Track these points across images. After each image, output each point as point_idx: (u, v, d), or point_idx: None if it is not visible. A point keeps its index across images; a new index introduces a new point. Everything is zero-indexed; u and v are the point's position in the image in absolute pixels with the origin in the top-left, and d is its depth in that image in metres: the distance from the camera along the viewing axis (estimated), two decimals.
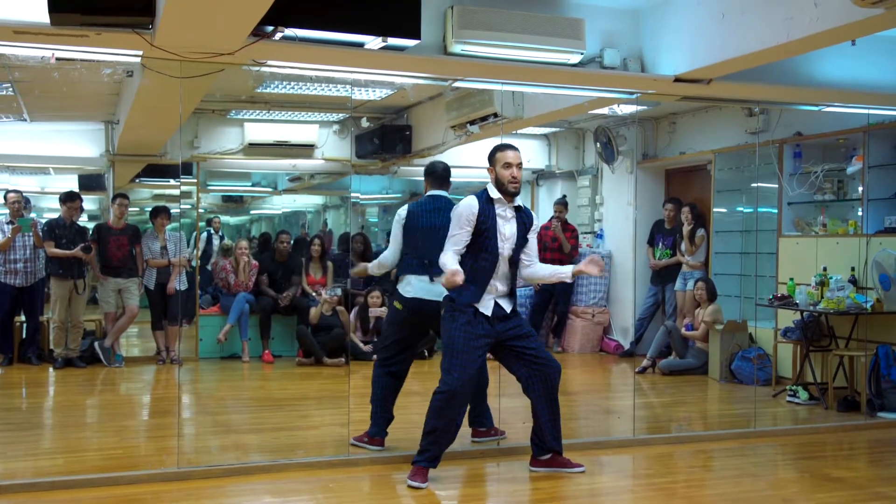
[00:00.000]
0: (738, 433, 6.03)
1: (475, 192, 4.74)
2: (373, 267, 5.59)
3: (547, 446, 4.85)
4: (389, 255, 5.45)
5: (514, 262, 4.75)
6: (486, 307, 4.66)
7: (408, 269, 5.30)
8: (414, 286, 5.24)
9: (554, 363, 4.81)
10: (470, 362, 4.62)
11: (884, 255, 6.65)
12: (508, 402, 5.77)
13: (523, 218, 4.76)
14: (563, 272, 4.84)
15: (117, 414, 6.67)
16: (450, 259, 4.56)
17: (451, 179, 5.51)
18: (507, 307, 4.74)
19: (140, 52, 4.75)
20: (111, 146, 9.52)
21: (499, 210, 4.66)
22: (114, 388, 7.80)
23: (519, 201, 4.75)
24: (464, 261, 4.62)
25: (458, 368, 4.58)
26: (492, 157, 4.74)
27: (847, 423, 6.41)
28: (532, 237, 4.80)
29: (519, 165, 4.69)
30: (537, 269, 4.84)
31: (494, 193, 4.68)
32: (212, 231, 11.86)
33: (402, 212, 5.41)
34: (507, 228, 4.68)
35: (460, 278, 4.43)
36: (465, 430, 5.38)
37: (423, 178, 5.56)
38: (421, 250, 5.28)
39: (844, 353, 7.05)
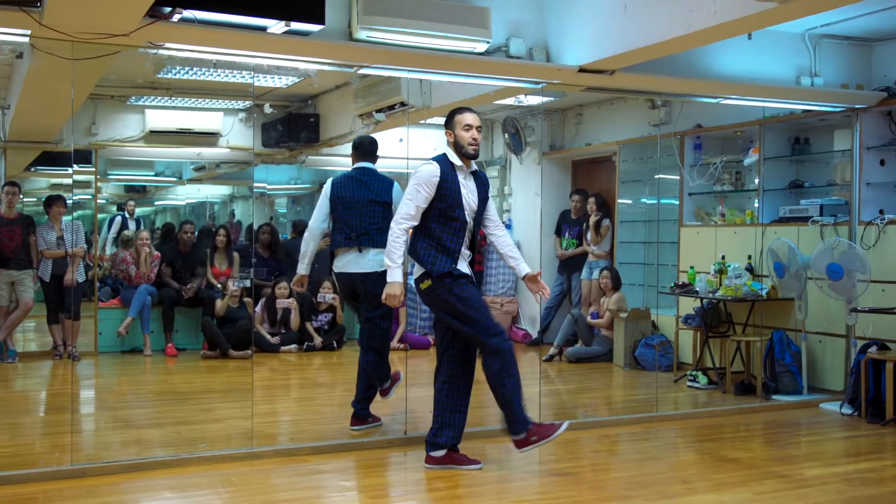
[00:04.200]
0: (641, 418, 6.18)
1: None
2: (305, 265, 5.50)
3: (441, 442, 4.72)
4: (311, 224, 5.49)
5: (477, 226, 4.72)
6: (464, 269, 4.64)
7: (336, 243, 5.40)
8: (342, 259, 5.35)
9: None
10: (491, 314, 4.65)
11: (778, 244, 6.88)
12: (417, 392, 5.75)
13: (481, 180, 4.77)
14: (518, 268, 4.83)
15: (10, 411, 6.37)
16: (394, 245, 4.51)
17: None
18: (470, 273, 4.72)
19: (28, 32, 4.52)
20: (2, 132, 9.09)
21: (459, 176, 4.61)
22: (6, 385, 7.47)
23: (475, 165, 4.74)
24: (430, 230, 4.55)
25: (494, 324, 4.59)
26: (450, 121, 4.68)
27: (744, 405, 6.63)
28: (491, 200, 4.81)
29: (479, 128, 4.66)
30: (499, 246, 4.85)
31: (456, 159, 4.62)
32: (126, 215, 11.37)
33: (328, 183, 5.49)
34: (468, 194, 4.64)
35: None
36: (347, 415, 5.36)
37: (333, 168, 5.54)
38: (347, 222, 5.34)
39: (741, 338, 7.29)
